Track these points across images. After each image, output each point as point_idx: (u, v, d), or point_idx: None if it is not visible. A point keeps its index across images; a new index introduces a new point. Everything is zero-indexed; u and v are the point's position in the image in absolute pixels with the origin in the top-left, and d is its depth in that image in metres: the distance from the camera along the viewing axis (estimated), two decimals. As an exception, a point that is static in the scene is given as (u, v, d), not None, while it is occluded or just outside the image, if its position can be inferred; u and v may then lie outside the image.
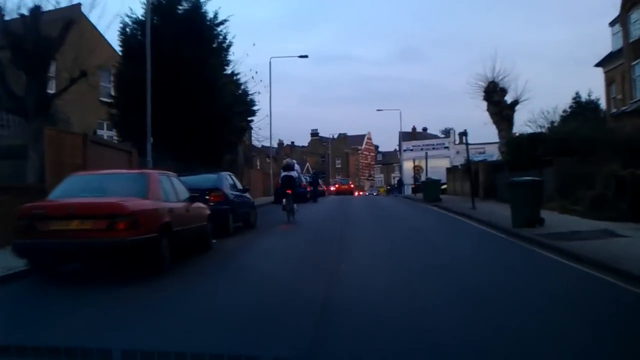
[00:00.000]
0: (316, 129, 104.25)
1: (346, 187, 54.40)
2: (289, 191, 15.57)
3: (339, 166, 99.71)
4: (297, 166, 17.10)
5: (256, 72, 25.63)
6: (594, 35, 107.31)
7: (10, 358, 3.61)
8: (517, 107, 24.46)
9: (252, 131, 57.38)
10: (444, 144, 71.67)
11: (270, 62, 39.61)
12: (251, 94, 25.84)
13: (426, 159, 34.35)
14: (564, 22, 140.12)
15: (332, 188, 56.03)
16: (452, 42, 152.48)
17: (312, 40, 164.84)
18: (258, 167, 41.95)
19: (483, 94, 24.49)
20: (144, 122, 16.98)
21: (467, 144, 20.29)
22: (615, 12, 26.71)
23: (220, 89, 21.33)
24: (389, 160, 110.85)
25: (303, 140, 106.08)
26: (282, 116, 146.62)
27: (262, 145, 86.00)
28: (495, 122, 24.68)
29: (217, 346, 4.33)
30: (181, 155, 20.26)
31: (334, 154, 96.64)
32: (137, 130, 18.33)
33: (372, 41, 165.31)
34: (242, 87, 25.84)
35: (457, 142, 72.08)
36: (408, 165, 70.33)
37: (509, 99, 24.43)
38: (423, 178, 44.25)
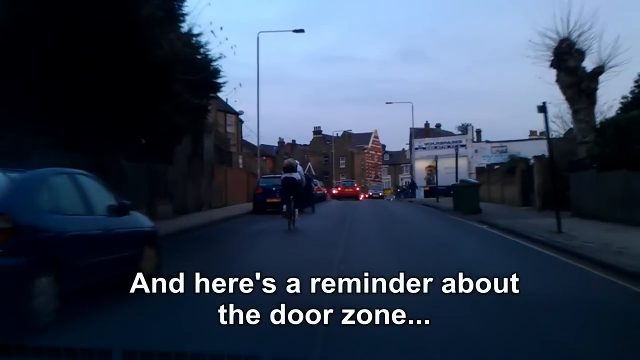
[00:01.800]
0: (319, 127, 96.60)
1: (350, 190, 46.30)
2: (291, 196, 14.28)
3: (343, 166, 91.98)
4: (299, 167, 15.62)
5: (221, 28, 17.65)
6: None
7: (10, 358, 3.40)
8: (602, 78, 16.48)
9: (243, 125, 49.98)
10: (460, 141, 63.70)
11: (258, 38, 32.60)
12: (215, 60, 17.97)
13: (456, 156, 26.31)
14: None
15: (335, 191, 47.97)
16: (457, 42, 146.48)
17: (316, 40, 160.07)
18: (241, 166, 33.95)
19: (551, 57, 16.56)
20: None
21: (547, 127, 12.30)
22: None
23: (153, 37, 13.50)
24: (397, 161, 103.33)
25: (305, 139, 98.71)
26: (285, 116, 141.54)
27: (262, 144, 78.81)
28: (569, 99, 16.74)
29: None
30: (81, 138, 12.45)
31: (337, 154, 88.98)
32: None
33: (376, 41, 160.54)
34: (202, 50, 17.99)
35: (475, 139, 64.25)
36: (420, 165, 62.67)
37: (589, 65, 16.53)
38: (442, 180, 36.34)
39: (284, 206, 14.16)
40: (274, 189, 22.15)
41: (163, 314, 5.33)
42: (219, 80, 18.40)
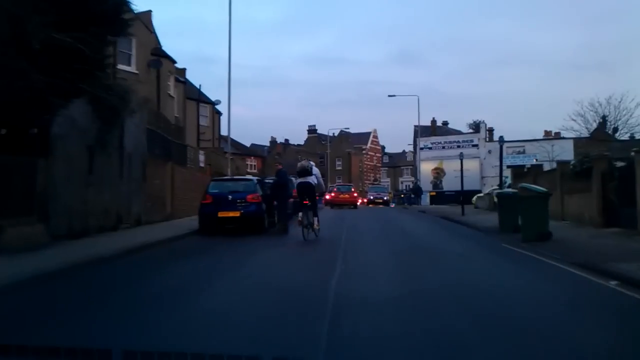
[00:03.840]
0: (314, 125, 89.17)
1: (347, 195, 38.59)
2: (307, 202, 13.26)
3: (340, 168, 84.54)
4: (315, 169, 13.77)
5: None
6: (596, 40, 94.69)
7: (10, 358, 3.34)
8: None
9: (221, 117, 42.46)
10: (472, 140, 56.35)
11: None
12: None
13: (501, 150, 18.68)
14: (568, 27, 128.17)
15: (328, 197, 40.26)
16: (452, 45, 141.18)
17: (310, 43, 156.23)
18: (202, 164, 26.27)
19: None
20: None
21: None
22: None
23: None
24: (397, 163, 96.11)
25: (300, 140, 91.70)
26: (279, 118, 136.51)
27: (253, 144, 70.97)
28: None
29: None
30: None
31: (334, 154, 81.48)
32: None
33: (370, 44, 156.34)
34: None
35: (488, 138, 56.84)
36: (426, 167, 55.34)
37: None
38: (449, 184, 28.56)
39: (300, 214, 13.36)
40: (230, 197, 14.64)
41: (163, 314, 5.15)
42: (125, 16, 10.85)
